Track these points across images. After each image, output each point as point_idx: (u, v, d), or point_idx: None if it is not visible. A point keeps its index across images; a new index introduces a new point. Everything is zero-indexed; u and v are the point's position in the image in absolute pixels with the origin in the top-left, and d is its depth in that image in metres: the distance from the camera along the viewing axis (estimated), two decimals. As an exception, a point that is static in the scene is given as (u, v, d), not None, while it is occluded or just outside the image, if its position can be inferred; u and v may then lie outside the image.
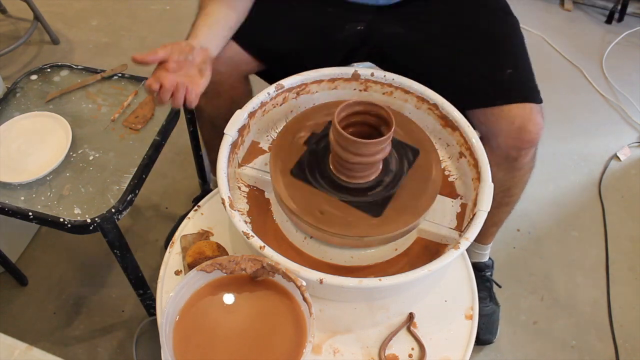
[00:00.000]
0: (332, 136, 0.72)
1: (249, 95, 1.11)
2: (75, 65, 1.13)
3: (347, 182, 0.76)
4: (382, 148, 0.71)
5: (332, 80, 0.89)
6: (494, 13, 1.05)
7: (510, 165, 0.99)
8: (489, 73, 0.97)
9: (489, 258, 1.34)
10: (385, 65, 1.08)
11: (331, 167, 0.77)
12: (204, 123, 1.19)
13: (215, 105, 1.06)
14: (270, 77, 1.14)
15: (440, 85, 0.90)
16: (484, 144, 0.98)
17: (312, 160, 0.78)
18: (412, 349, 0.75)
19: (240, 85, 1.06)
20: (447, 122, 0.85)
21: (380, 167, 0.77)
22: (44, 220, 0.90)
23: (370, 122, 0.75)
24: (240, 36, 1.00)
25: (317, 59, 0.98)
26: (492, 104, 0.93)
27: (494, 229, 1.22)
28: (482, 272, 1.31)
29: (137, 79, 1.11)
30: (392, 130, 0.69)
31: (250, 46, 1.02)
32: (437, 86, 0.89)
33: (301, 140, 0.81)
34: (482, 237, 1.27)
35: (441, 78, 0.97)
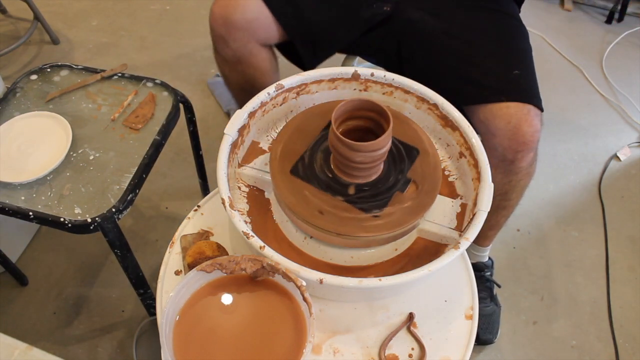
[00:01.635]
0: (332, 139, 0.72)
1: (272, 64, 1.12)
2: (75, 65, 1.13)
3: (348, 182, 0.76)
4: (383, 145, 0.71)
5: (332, 80, 0.89)
6: (510, 18, 1.08)
7: (507, 169, 0.99)
8: (498, 70, 0.98)
9: (489, 258, 1.34)
10: (392, 55, 1.09)
11: (332, 167, 0.77)
12: (234, 90, 1.21)
13: (240, 72, 1.09)
14: (288, 52, 1.15)
15: (449, 77, 0.91)
16: (482, 145, 0.98)
17: (313, 160, 0.78)
18: (412, 349, 0.75)
19: (261, 53, 1.07)
20: (447, 122, 0.85)
21: (382, 167, 0.77)
22: (44, 220, 0.90)
23: (367, 117, 0.75)
24: None
25: (337, 32, 0.99)
26: (497, 100, 0.94)
27: (492, 232, 1.22)
28: (481, 272, 1.31)
29: (137, 79, 1.11)
30: (391, 126, 0.69)
31: (275, 4, 1.02)
32: (446, 77, 0.88)
33: (301, 140, 0.81)
34: (481, 240, 1.27)
35: (452, 69, 0.99)
